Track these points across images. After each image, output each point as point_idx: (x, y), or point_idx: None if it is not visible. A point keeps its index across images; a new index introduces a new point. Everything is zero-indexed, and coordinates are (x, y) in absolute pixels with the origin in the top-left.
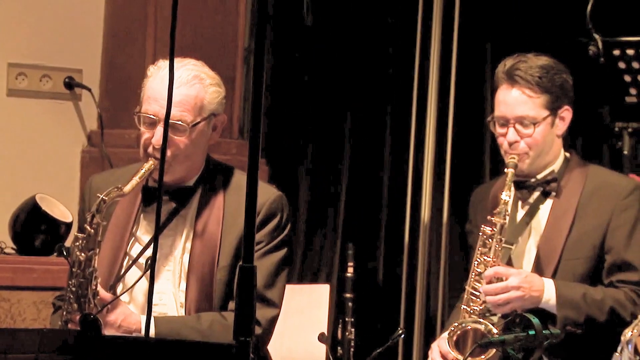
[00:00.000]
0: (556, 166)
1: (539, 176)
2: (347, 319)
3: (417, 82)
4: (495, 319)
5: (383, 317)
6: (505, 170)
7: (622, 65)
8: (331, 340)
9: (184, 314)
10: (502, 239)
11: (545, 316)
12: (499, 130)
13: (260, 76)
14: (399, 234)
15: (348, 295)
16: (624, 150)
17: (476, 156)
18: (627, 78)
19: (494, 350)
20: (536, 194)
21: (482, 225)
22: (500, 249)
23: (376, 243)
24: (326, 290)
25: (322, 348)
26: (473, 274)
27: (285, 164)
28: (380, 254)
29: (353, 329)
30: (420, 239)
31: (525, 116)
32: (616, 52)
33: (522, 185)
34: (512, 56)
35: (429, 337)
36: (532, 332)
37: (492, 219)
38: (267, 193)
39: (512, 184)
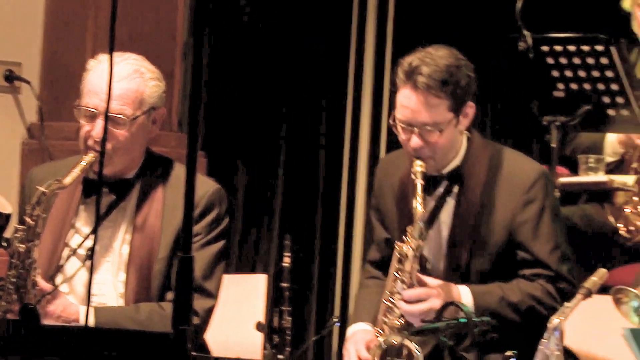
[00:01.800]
0: (460, 155)
1: (445, 171)
2: (283, 308)
3: (354, 72)
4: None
5: (319, 306)
6: (413, 178)
7: (550, 60)
8: (268, 329)
9: (122, 304)
10: (419, 257)
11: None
12: (401, 135)
13: (198, 70)
14: (335, 224)
15: (285, 284)
16: (551, 143)
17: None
18: (555, 73)
19: None
20: (442, 186)
21: (397, 243)
22: (416, 267)
23: (313, 234)
24: (263, 280)
25: (259, 336)
26: (388, 289)
27: (223, 157)
28: (316, 244)
29: (289, 318)
30: (354, 229)
31: (430, 123)
32: (545, 48)
33: (429, 179)
34: (412, 53)
35: None
36: (463, 320)
37: (407, 238)
38: (206, 186)
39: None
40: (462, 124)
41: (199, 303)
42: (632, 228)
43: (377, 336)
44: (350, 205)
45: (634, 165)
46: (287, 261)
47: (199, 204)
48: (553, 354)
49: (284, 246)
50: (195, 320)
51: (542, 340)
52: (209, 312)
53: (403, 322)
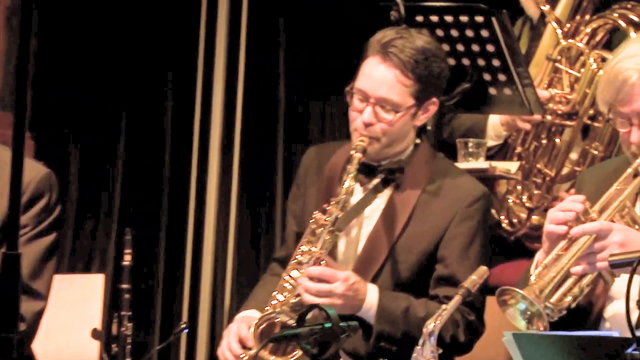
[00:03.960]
0: (404, 154)
1: (385, 162)
2: (123, 313)
3: (203, 57)
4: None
5: (164, 310)
6: (352, 153)
7: None
8: (105, 337)
9: None
10: (334, 230)
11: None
12: (355, 104)
13: (26, 39)
14: (183, 217)
15: (125, 286)
16: (427, 125)
17: (269, 136)
18: None
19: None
20: (377, 179)
21: (315, 212)
22: (330, 240)
23: (157, 228)
24: (100, 281)
25: (95, 345)
26: (294, 260)
27: (53, 140)
28: (161, 240)
29: (130, 324)
30: (205, 223)
31: (389, 100)
32: (419, 19)
33: (365, 168)
34: (393, 28)
35: (216, 331)
36: (328, 325)
37: (328, 207)
38: (34, 170)
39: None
40: (420, 119)
41: (26, 306)
42: (515, 220)
43: (265, 312)
44: (200, 196)
45: (518, 150)
46: (127, 259)
47: (25, 191)
48: None
49: (123, 242)
50: (22, 326)
51: (417, 347)
52: (38, 316)
53: (296, 302)
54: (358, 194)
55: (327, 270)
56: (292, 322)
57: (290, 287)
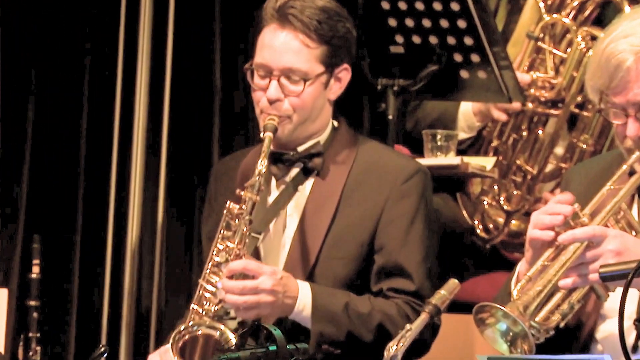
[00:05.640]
0: (322, 138)
1: (301, 149)
2: (30, 334)
3: (124, 32)
4: (233, 324)
5: (79, 331)
6: (262, 135)
7: (385, 5)
8: None
9: None
10: (252, 220)
11: (297, 330)
12: (257, 82)
13: None
14: (102, 222)
15: (32, 302)
16: (388, 114)
17: (203, 127)
18: (392, 22)
19: None
20: (295, 170)
21: (228, 202)
22: (248, 233)
23: (71, 235)
24: (3, 297)
25: None
26: (210, 263)
27: None
28: (76, 249)
29: (39, 347)
30: (128, 229)
31: (296, 69)
32: None
33: (279, 158)
34: None
35: (140, 354)
36: (273, 348)
37: (242, 193)
38: None
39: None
40: (333, 90)
41: None
42: (491, 226)
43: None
44: (121, 197)
45: (494, 143)
46: (35, 271)
47: None
48: None
49: (31, 251)
50: None
51: None
52: None
53: (219, 308)
54: (276, 190)
55: (251, 264)
56: (216, 334)
57: (209, 295)
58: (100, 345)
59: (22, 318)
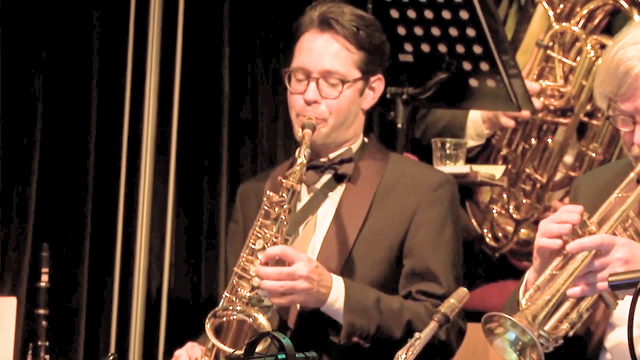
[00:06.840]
0: (354, 147)
1: (332, 155)
2: (39, 343)
3: (133, 37)
4: (267, 313)
5: (88, 340)
6: (301, 133)
7: (394, 14)
8: None
9: None
10: (291, 209)
11: (327, 323)
12: (295, 86)
13: None
14: (111, 230)
15: (41, 311)
16: (397, 122)
17: (212, 130)
18: (401, 30)
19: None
20: (326, 177)
21: (268, 191)
22: (286, 221)
23: (80, 243)
24: (12, 305)
25: None
26: (246, 252)
27: None
28: (85, 257)
29: (47, 356)
30: (137, 238)
31: (334, 71)
32: None
33: (311, 165)
34: (323, 2)
35: None
36: (281, 357)
37: (283, 181)
38: None
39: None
40: (367, 99)
41: None
42: (500, 234)
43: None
44: (131, 203)
45: (504, 152)
46: (44, 279)
47: None
48: None
49: (40, 259)
50: None
51: None
52: None
53: (252, 295)
54: (307, 195)
55: (288, 249)
56: (249, 320)
57: (243, 281)
58: (110, 354)
59: (30, 327)
